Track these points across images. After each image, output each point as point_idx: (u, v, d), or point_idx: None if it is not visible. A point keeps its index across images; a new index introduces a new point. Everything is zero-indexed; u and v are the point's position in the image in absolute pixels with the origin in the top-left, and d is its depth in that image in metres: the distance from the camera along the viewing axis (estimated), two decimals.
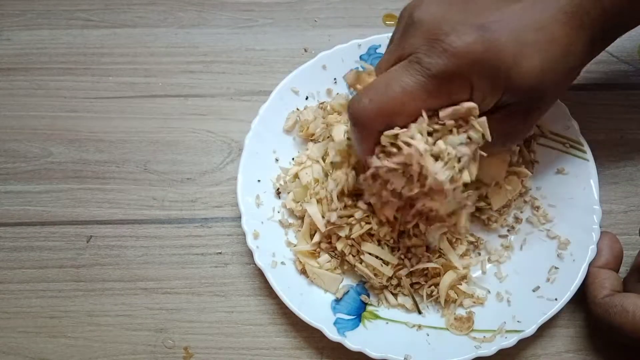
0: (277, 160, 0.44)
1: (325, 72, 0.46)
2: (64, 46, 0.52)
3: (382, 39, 0.45)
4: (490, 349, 0.37)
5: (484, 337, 0.38)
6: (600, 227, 0.39)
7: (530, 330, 0.37)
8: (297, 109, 0.45)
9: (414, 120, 0.31)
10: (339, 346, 0.37)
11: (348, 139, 0.39)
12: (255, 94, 0.49)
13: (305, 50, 0.51)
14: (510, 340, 0.37)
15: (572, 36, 0.32)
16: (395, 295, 0.40)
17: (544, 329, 0.40)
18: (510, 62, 0.31)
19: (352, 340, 0.38)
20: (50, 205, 0.46)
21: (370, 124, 0.31)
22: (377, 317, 0.40)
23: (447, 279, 0.39)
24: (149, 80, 0.50)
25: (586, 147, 0.42)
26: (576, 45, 0.32)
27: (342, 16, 0.53)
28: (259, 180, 0.43)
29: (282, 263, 0.41)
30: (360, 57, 0.45)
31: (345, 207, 0.39)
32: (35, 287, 0.43)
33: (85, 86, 0.50)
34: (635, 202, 0.44)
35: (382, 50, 0.45)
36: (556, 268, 0.40)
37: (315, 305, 0.40)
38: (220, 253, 0.44)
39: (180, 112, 0.49)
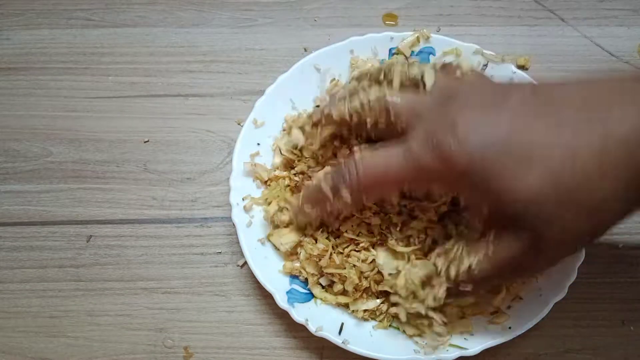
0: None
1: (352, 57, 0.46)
2: (64, 46, 0.52)
3: (406, 35, 0.46)
4: (428, 357, 0.37)
5: (426, 343, 0.38)
6: (577, 270, 0.38)
7: (473, 350, 0.37)
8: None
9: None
10: (339, 347, 0.37)
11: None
12: (255, 93, 0.49)
13: (305, 50, 0.51)
14: (450, 354, 0.37)
15: (602, 173, 0.26)
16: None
17: (544, 328, 0.40)
18: (506, 181, 0.27)
19: (298, 312, 0.38)
20: (50, 205, 0.46)
21: (355, 188, 0.33)
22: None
23: None
24: (148, 79, 0.50)
25: None
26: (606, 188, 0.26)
27: (341, 16, 0.53)
28: (258, 144, 0.44)
29: (260, 241, 0.41)
30: (390, 50, 0.46)
31: None
32: (35, 286, 0.43)
33: (85, 86, 0.50)
34: None
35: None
36: (520, 298, 0.39)
37: (275, 272, 0.40)
38: (220, 253, 0.44)
39: (180, 112, 0.49)
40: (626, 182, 0.26)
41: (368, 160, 0.32)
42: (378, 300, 0.39)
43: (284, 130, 0.45)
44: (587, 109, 0.27)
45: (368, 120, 0.33)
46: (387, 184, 0.32)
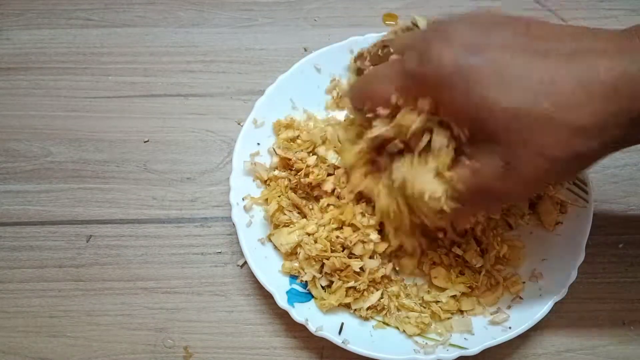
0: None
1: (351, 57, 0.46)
2: (64, 46, 0.52)
3: None
4: (428, 357, 0.37)
5: (426, 343, 0.38)
6: (577, 270, 0.38)
7: (473, 350, 0.37)
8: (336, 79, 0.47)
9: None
10: (339, 347, 0.37)
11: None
12: (255, 93, 0.49)
13: (305, 50, 0.51)
14: (451, 354, 0.37)
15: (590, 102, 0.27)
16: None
17: (544, 328, 0.40)
18: (491, 94, 0.28)
19: (298, 312, 0.38)
20: (50, 205, 0.46)
21: (351, 102, 0.35)
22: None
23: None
24: (148, 79, 0.50)
25: (589, 188, 0.40)
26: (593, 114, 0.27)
27: (341, 15, 0.53)
28: (258, 143, 0.44)
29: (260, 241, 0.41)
30: None
31: None
32: (35, 286, 0.43)
33: (85, 86, 0.50)
34: (635, 202, 0.44)
35: None
36: (520, 298, 0.39)
37: (275, 272, 0.40)
38: (220, 253, 0.44)
39: (179, 112, 0.49)
40: (605, 119, 0.27)
41: (368, 71, 0.35)
42: (378, 293, 0.39)
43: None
44: (575, 47, 0.28)
45: (367, 56, 0.36)
46: (375, 91, 0.33)
